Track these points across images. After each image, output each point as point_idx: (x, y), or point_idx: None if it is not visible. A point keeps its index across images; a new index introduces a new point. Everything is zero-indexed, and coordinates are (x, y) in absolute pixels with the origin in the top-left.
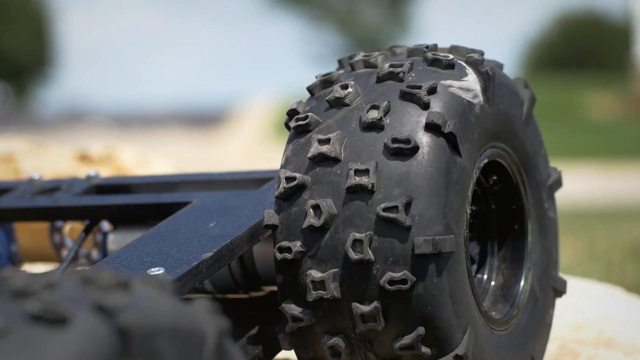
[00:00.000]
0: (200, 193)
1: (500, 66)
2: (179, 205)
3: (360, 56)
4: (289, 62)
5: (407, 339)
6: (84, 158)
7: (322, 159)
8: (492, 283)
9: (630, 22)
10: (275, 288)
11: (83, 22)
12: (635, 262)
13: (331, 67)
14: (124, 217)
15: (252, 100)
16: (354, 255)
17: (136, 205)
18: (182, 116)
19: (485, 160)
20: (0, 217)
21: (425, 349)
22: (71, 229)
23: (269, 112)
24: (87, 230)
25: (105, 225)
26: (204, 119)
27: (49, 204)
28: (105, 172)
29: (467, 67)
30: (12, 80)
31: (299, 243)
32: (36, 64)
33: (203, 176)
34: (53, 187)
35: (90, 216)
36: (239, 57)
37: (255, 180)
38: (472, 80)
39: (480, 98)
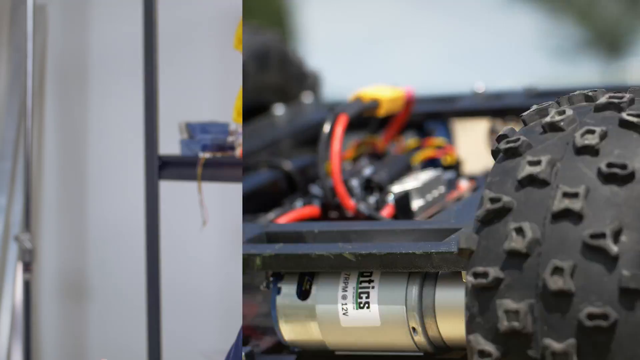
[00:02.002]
0: None
1: None
2: None
3: (578, 93)
4: (529, 54)
5: None
6: None
7: (530, 181)
8: None
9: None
10: None
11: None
12: None
13: (572, 61)
14: None
15: None
16: (552, 285)
17: None
18: None
19: None
20: (460, 115)
21: None
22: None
23: None
24: None
25: None
26: None
27: (499, 106)
28: None
29: None
30: None
31: (496, 268)
32: None
33: None
34: (498, 95)
35: None
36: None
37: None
38: None
39: None
